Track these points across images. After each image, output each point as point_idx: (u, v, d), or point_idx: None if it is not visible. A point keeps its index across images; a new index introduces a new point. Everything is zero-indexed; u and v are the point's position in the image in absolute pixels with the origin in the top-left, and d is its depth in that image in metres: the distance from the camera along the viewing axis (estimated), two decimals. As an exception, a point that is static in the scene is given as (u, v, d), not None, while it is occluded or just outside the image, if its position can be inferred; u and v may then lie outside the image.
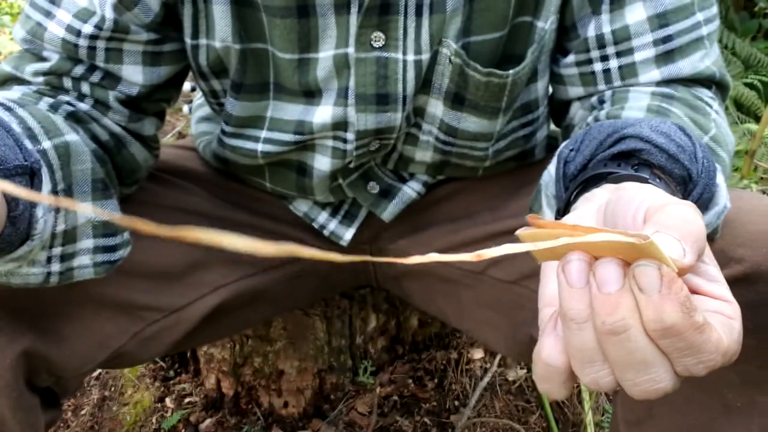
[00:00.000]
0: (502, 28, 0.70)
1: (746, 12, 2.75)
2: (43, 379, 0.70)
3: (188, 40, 0.72)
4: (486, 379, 1.30)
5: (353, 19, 0.68)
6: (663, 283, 0.33)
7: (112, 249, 0.66)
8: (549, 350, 0.39)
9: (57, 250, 0.61)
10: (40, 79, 0.70)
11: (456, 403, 1.28)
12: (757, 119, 2.21)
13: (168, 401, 1.29)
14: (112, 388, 1.31)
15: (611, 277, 0.35)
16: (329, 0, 0.67)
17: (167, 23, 0.71)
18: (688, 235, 0.35)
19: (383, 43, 0.69)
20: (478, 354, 1.34)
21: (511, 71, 0.71)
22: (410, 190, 0.85)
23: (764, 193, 1.70)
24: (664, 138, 0.51)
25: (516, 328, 0.80)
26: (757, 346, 0.57)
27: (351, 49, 0.69)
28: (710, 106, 0.69)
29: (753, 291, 0.57)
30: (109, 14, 0.68)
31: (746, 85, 2.32)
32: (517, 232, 0.38)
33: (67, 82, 0.71)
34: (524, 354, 0.85)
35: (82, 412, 1.28)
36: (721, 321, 0.37)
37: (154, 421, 1.26)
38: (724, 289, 0.38)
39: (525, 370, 1.31)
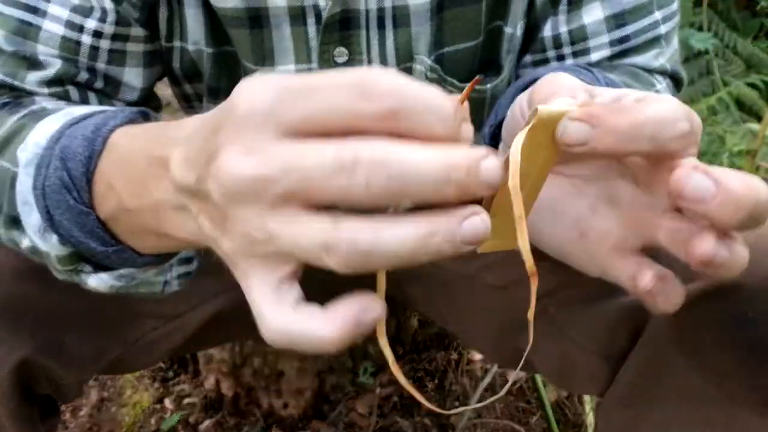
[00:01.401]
0: (475, 36, 0.69)
1: (748, 11, 2.74)
2: (42, 386, 0.69)
3: (163, 43, 0.70)
4: (486, 380, 1.29)
5: (311, 32, 0.66)
6: (589, 114, 0.36)
7: (188, 261, 0.63)
8: None
9: (173, 259, 0.60)
10: (45, 90, 0.65)
11: (456, 403, 1.28)
12: (759, 119, 2.21)
13: (167, 402, 1.29)
14: (111, 389, 1.31)
15: None
16: (283, 11, 0.65)
17: (149, 24, 0.69)
18: (563, 86, 0.39)
19: (347, 58, 0.67)
20: (478, 354, 1.34)
21: (488, 85, 0.71)
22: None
23: (766, 193, 1.70)
24: (574, 74, 0.51)
25: (502, 335, 0.80)
26: (737, 362, 0.57)
27: (314, 65, 0.68)
28: (657, 82, 0.70)
29: (730, 305, 0.56)
30: (109, 4, 0.64)
31: (748, 84, 2.32)
32: None
33: (74, 93, 0.67)
34: (508, 361, 0.84)
35: (81, 413, 1.27)
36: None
37: (153, 422, 1.26)
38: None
39: (525, 371, 1.31)
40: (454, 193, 0.32)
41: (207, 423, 1.24)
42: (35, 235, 0.53)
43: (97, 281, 0.55)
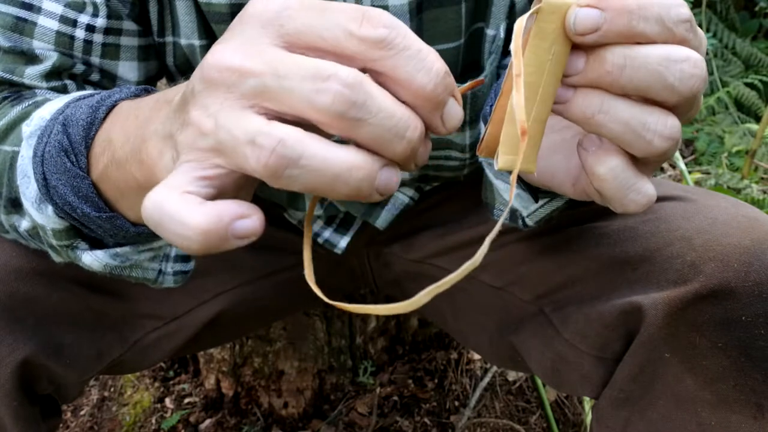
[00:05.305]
0: (456, 37, 0.68)
1: (746, 12, 2.75)
2: (43, 387, 0.69)
3: (156, 38, 0.70)
4: (486, 380, 1.30)
5: None
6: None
7: (186, 259, 0.64)
8: None
9: (168, 249, 0.60)
10: (44, 84, 0.66)
11: (456, 403, 1.28)
12: (758, 119, 2.21)
13: (168, 401, 1.29)
14: (112, 389, 1.31)
15: None
16: None
17: (140, 20, 0.69)
18: None
19: None
20: (478, 354, 1.34)
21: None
22: (403, 195, 0.83)
23: (765, 193, 1.70)
24: None
25: (499, 334, 0.80)
26: (730, 365, 0.57)
27: None
28: None
29: (722, 309, 0.57)
30: None
31: (747, 85, 2.32)
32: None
33: (72, 87, 0.68)
34: (504, 360, 0.84)
35: (82, 413, 1.27)
36: None
37: (153, 421, 1.26)
38: None
39: (520, 372, 1.31)
40: (402, 150, 0.34)
41: (207, 422, 1.25)
42: (32, 207, 0.53)
43: (92, 258, 0.55)
